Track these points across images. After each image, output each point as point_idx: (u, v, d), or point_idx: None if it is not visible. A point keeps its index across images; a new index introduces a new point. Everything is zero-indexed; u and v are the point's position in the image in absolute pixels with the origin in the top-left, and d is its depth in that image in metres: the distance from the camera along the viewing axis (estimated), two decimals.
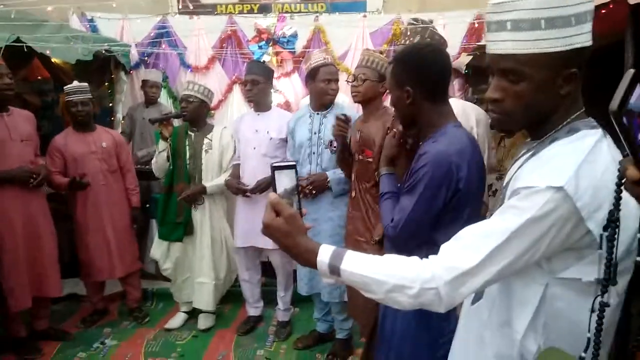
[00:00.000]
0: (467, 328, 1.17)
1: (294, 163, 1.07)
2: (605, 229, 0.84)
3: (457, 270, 0.92)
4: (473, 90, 4.09)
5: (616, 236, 0.83)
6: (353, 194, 2.49)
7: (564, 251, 0.91)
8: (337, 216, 2.78)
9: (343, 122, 2.33)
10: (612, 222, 0.82)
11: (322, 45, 4.30)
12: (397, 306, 0.98)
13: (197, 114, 3.23)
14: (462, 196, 1.45)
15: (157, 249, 3.37)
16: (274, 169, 1.05)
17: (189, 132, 3.27)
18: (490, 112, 1.06)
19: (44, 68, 4.32)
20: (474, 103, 4.16)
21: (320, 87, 2.80)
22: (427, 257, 0.97)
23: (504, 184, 1.09)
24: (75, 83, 3.28)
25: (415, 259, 0.98)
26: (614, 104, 0.60)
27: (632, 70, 0.60)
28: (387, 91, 2.20)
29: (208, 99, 3.30)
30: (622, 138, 0.62)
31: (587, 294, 0.90)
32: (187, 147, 3.23)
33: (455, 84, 4.26)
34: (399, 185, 1.66)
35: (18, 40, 3.16)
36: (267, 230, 1.02)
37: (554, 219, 0.88)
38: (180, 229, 3.25)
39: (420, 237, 1.50)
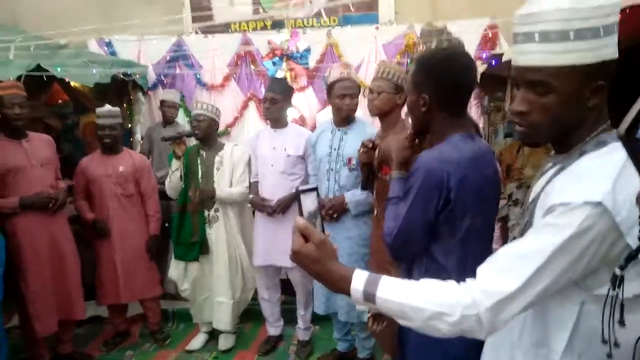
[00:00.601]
0: (496, 348, 1.13)
1: (315, 186, 1.07)
2: (623, 267, 0.80)
3: (497, 295, 0.90)
4: (489, 98, 4.05)
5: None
6: (375, 212, 2.46)
7: (600, 267, 0.88)
8: (357, 235, 2.74)
9: (369, 149, 2.20)
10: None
11: (335, 59, 4.30)
12: (436, 334, 0.94)
13: (208, 133, 3.26)
14: (454, 209, 1.39)
15: (175, 269, 3.37)
16: (300, 192, 1.04)
17: (200, 151, 3.29)
18: (517, 126, 1.03)
19: (64, 91, 4.43)
20: (490, 111, 4.15)
21: (335, 102, 2.79)
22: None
23: (531, 199, 1.05)
24: (107, 107, 3.33)
25: (452, 283, 0.95)
26: (622, 127, 0.58)
27: None
28: (405, 102, 2.16)
29: (217, 117, 3.33)
30: (632, 162, 0.60)
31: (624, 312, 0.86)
32: (200, 166, 3.25)
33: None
34: None
35: (38, 67, 3.25)
36: (297, 257, 0.99)
37: (594, 236, 0.85)
38: (195, 249, 3.25)
39: (414, 246, 1.46)
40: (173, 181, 3.22)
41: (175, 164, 3.18)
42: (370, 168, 2.29)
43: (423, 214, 1.41)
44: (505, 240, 3.80)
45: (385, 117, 2.43)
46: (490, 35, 3.91)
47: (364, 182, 2.41)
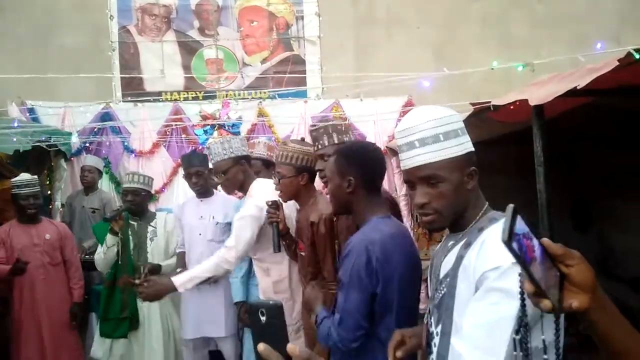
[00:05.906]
0: None
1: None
2: (517, 332, 0.93)
3: None
4: None
5: (528, 339, 0.92)
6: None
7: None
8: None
9: (273, 209, 2.36)
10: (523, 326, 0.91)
11: (266, 128, 4.49)
12: None
13: (144, 205, 3.23)
14: (385, 286, 1.53)
15: (99, 347, 3.13)
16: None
17: (131, 222, 3.19)
18: (422, 216, 1.20)
19: None
20: None
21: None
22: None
23: (443, 274, 1.17)
24: (25, 176, 3.24)
25: None
26: (504, 236, 0.69)
27: (511, 205, 0.71)
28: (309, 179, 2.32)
29: (151, 188, 3.31)
30: (517, 263, 0.70)
31: None
32: (131, 237, 3.15)
33: (393, 162, 4.55)
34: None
35: None
36: None
37: None
38: (125, 324, 3.06)
39: (361, 328, 1.54)
40: (109, 257, 3.05)
41: (112, 239, 3.02)
42: (277, 226, 2.37)
43: (361, 293, 1.53)
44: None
45: (298, 198, 2.43)
46: (407, 110, 4.28)
47: (276, 243, 2.40)
